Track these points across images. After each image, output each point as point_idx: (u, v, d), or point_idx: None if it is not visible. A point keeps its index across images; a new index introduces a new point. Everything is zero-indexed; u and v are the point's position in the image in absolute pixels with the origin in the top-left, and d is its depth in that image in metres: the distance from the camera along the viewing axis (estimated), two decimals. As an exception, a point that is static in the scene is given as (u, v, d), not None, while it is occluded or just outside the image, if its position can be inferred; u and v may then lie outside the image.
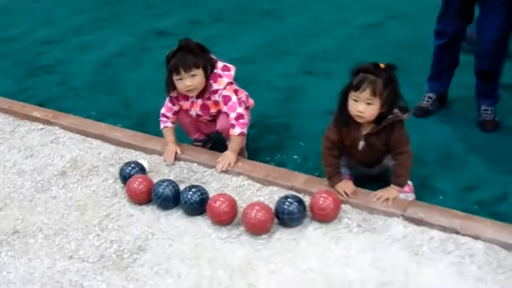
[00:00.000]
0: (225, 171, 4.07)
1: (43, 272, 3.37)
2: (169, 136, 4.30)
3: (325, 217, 3.53)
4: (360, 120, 3.52)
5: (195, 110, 4.19)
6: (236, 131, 4.05)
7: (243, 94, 4.29)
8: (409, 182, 3.79)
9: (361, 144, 3.66)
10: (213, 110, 4.16)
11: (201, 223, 3.65)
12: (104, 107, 5.49)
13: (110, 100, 5.66)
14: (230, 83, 4.09)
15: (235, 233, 3.54)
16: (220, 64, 4.08)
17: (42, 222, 3.79)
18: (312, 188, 3.79)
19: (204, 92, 4.05)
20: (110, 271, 3.33)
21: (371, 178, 3.96)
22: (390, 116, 3.50)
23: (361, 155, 3.74)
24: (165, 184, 3.78)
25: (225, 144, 4.24)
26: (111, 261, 3.40)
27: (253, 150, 4.46)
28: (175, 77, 3.96)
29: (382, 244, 3.36)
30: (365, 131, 3.61)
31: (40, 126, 4.99)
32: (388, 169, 3.87)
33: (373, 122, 3.56)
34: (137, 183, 3.85)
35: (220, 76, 4.04)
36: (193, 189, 3.71)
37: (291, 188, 3.86)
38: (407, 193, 3.76)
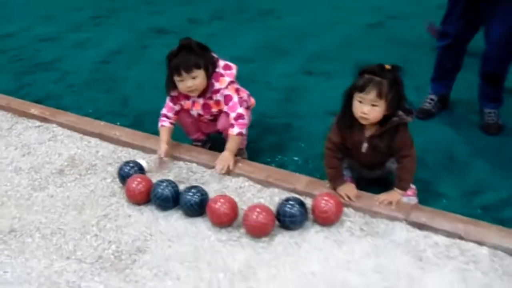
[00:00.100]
0: (225, 173, 4.03)
1: (40, 272, 3.33)
2: (164, 135, 4.20)
3: (327, 220, 3.48)
4: (364, 122, 3.47)
5: (196, 110, 4.14)
6: (235, 130, 4.01)
7: (244, 93, 4.26)
8: (412, 186, 3.75)
9: (364, 146, 3.61)
10: (214, 110, 4.11)
11: (201, 225, 3.60)
12: (102, 105, 5.45)
13: (108, 98, 5.61)
14: (232, 82, 4.04)
15: (235, 235, 3.50)
16: (221, 63, 4.04)
17: (39, 221, 3.74)
18: (313, 191, 3.75)
19: (206, 91, 4.00)
20: (108, 272, 3.29)
21: (373, 181, 3.91)
22: (394, 118, 3.45)
23: (364, 157, 3.68)
24: (165, 184, 3.73)
25: (224, 144, 4.17)
26: (109, 262, 3.36)
27: (253, 151, 4.42)
28: (176, 78, 3.91)
29: (385, 248, 3.31)
30: (368, 133, 3.56)
31: (38, 123, 4.95)
32: (390, 172, 3.83)
33: (377, 124, 3.51)
34: (135, 183, 3.80)
35: (222, 75, 4.00)
36: (193, 190, 3.66)
37: (293, 190, 3.82)
38: (409, 197, 3.71)
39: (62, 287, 3.21)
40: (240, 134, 4.03)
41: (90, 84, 5.96)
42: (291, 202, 3.48)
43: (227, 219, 3.52)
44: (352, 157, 3.78)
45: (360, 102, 3.39)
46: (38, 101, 5.41)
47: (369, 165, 3.80)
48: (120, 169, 4.02)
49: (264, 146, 4.55)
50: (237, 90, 4.11)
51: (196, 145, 4.44)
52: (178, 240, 3.49)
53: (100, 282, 3.22)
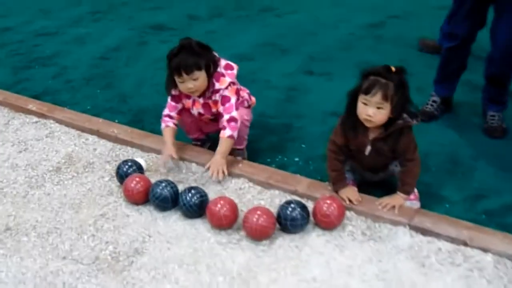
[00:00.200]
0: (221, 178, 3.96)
1: (35, 272, 3.29)
2: (168, 136, 4.12)
3: (329, 224, 3.43)
4: (368, 125, 3.41)
5: (197, 109, 4.08)
6: (227, 133, 3.94)
7: (245, 92, 4.21)
8: (415, 189, 3.69)
9: (368, 149, 3.55)
10: (214, 110, 4.05)
11: (200, 226, 3.55)
12: (100, 101, 5.41)
13: (107, 94, 5.56)
14: (233, 83, 3.98)
15: (235, 238, 3.45)
16: (223, 62, 3.98)
17: (36, 219, 3.71)
18: (315, 193, 3.70)
19: (206, 91, 3.95)
20: (105, 274, 3.24)
21: (376, 184, 3.86)
22: (399, 121, 3.39)
23: (367, 160, 3.63)
24: (164, 184, 3.68)
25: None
26: (106, 264, 3.31)
27: (253, 151, 4.37)
28: (176, 79, 3.85)
29: (387, 254, 3.26)
30: (372, 135, 3.50)
31: (35, 119, 4.92)
32: (393, 175, 3.78)
33: (381, 127, 3.45)
34: (134, 182, 3.75)
35: (223, 75, 3.94)
36: (193, 191, 3.61)
37: (294, 193, 3.77)
38: (412, 201, 3.66)
39: (58, 288, 3.19)
40: (231, 137, 3.95)
41: (88, 80, 5.91)
42: (292, 205, 3.42)
43: (227, 222, 3.46)
44: (354, 159, 3.73)
45: (365, 104, 3.32)
46: (35, 97, 5.38)
47: (372, 168, 3.75)
48: (119, 168, 3.96)
49: (264, 146, 4.50)
50: (237, 91, 4.06)
51: (196, 145, 4.40)
52: (177, 242, 3.44)
53: (97, 284, 3.18)
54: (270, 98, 5.19)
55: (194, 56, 3.77)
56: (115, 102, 5.38)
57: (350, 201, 3.58)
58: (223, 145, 3.96)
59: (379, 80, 3.26)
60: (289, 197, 3.71)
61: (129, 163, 3.96)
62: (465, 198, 3.82)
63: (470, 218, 3.50)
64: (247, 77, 4.89)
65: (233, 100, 3.98)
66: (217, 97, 3.97)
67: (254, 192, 3.84)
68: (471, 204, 3.77)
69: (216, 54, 3.96)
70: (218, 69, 3.93)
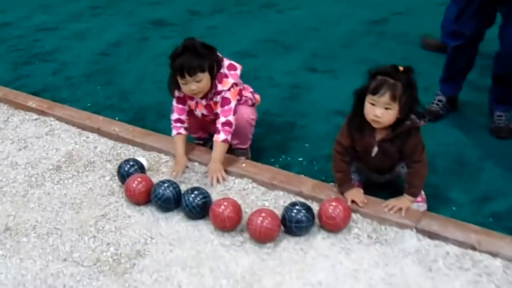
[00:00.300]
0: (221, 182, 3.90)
1: (35, 274, 3.25)
2: (180, 146, 4.04)
3: (335, 226, 3.37)
4: (376, 125, 3.34)
5: (200, 111, 4.03)
6: (221, 137, 3.88)
7: (248, 91, 4.14)
8: (421, 192, 3.63)
9: (375, 150, 3.49)
10: (216, 110, 3.98)
11: (203, 228, 3.50)
12: (101, 98, 5.37)
13: (107, 91, 5.52)
14: (235, 84, 3.92)
15: (238, 240, 3.39)
16: (226, 62, 3.91)
17: (35, 219, 3.66)
18: (320, 194, 3.65)
19: (209, 92, 3.89)
20: (107, 276, 3.19)
21: (381, 185, 3.81)
22: (407, 122, 3.33)
23: (374, 161, 3.57)
24: (166, 185, 3.62)
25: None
26: (108, 266, 3.26)
27: (256, 150, 4.31)
28: (179, 80, 3.78)
29: (394, 258, 3.20)
30: (379, 136, 3.44)
31: (35, 116, 4.88)
32: (399, 176, 3.73)
33: (389, 128, 3.39)
34: (136, 182, 3.70)
35: (225, 76, 3.87)
36: (195, 192, 3.55)
37: (298, 194, 3.71)
38: (418, 203, 3.60)
39: (59, 291, 3.14)
40: (225, 141, 3.90)
41: (88, 76, 5.87)
42: (297, 207, 3.37)
43: (231, 223, 3.41)
44: (360, 160, 3.67)
45: (372, 104, 3.26)
46: (35, 93, 5.34)
47: (378, 169, 3.69)
48: (120, 167, 3.91)
49: (267, 145, 4.45)
50: (240, 92, 4.00)
51: (198, 144, 4.35)
52: (179, 244, 3.38)
53: (98, 287, 3.13)
54: (273, 96, 5.14)
55: (198, 57, 3.69)
56: (115, 99, 5.33)
57: (355, 203, 3.53)
58: (218, 150, 3.92)
59: (387, 80, 3.20)
60: (293, 198, 3.66)
61: (131, 163, 3.91)
62: (472, 200, 3.76)
63: (477, 221, 3.45)
64: (249, 74, 4.84)
65: (233, 104, 3.91)
66: (218, 98, 3.91)
67: (258, 193, 3.78)
68: (478, 206, 3.71)
69: (220, 55, 3.90)
70: (222, 70, 3.86)
